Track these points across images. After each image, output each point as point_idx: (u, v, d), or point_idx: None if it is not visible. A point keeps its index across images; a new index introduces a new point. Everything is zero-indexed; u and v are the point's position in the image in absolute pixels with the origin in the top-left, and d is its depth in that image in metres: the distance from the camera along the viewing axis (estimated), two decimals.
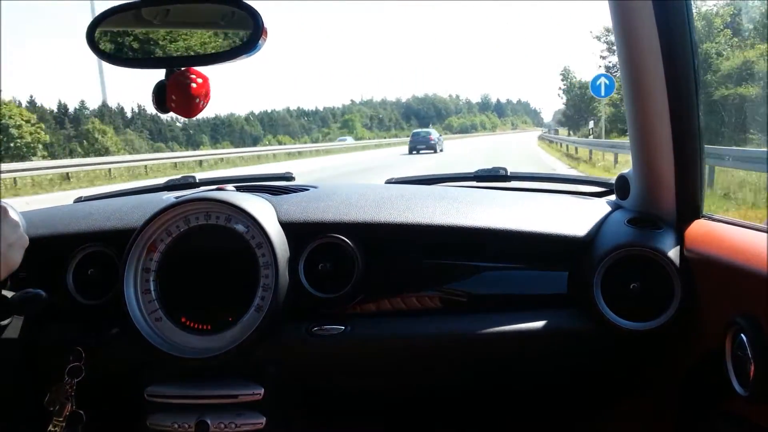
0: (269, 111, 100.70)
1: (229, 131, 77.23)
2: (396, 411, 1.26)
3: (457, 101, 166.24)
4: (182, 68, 0.94)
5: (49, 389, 1.09)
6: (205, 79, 0.95)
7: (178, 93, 0.93)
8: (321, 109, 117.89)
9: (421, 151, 28.58)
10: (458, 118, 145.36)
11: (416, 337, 1.09)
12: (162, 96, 0.94)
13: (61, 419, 1.07)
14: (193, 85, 0.94)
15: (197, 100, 0.94)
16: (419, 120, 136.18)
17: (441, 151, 28.88)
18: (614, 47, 1.08)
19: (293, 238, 1.09)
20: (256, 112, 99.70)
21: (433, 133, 32.16)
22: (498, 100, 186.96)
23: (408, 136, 36.30)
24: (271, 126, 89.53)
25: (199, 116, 1.17)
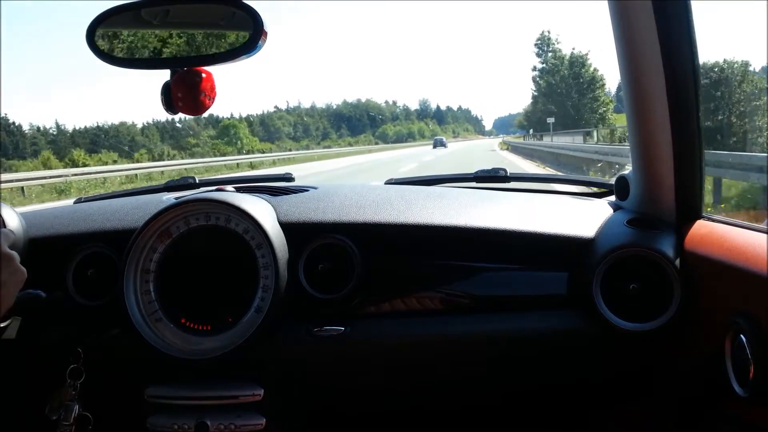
0: (173, 119, 78.79)
1: (115, 142, 61.56)
2: (396, 412, 1.26)
3: (394, 107, 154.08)
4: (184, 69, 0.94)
5: (48, 391, 1.09)
6: (208, 74, 0.95)
7: (183, 91, 0.93)
8: (237, 116, 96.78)
9: (437, 147, 56.65)
10: (394, 125, 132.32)
11: (416, 337, 1.09)
12: (169, 97, 0.94)
13: (69, 423, 1.07)
14: (197, 79, 0.94)
15: (203, 95, 0.94)
16: (350, 127, 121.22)
17: (446, 147, 57.17)
18: None
19: (293, 239, 1.09)
20: (160, 120, 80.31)
21: (444, 139, 68.67)
22: (438, 107, 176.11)
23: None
24: (173, 137, 71.43)
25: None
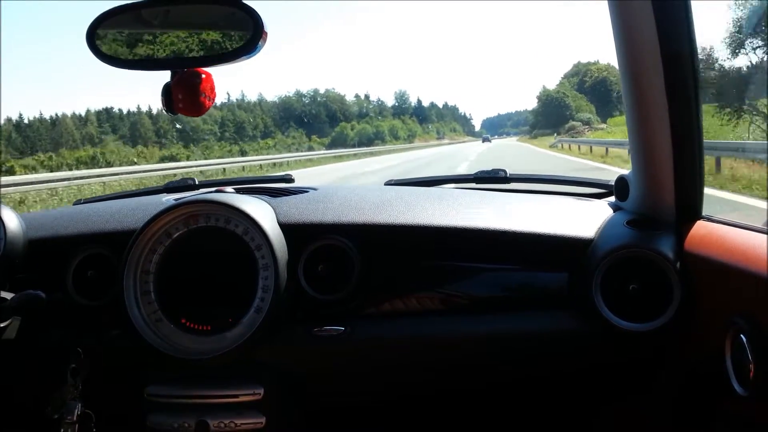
0: (55, 115, 65.85)
1: None
2: (396, 411, 1.26)
3: (366, 102, 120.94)
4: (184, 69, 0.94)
5: (49, 392, 1.09)
6: (208, 75, 0.95)
7: (183, 92, 0.94)
8: (135, 111, 74.55)
9: (485, 142, 69.18)
10: (358, 123, 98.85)
11: (416, 338, 1.09)
12: (169, 98, 0.94)
13: (72, 421, 1.07)
14: (197, 81, 0.94)
15: (203, 96, 0.95)
16: (304, 125, 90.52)
17: (491, 142, 72.27)
18: None
19: (293, 240, 1.09)
20: (27, 118, 65.41)
21: (489, 137, 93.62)
22: (419, 101, 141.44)
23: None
24: (43, 139, 59.35)
25: None
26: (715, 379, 0.87)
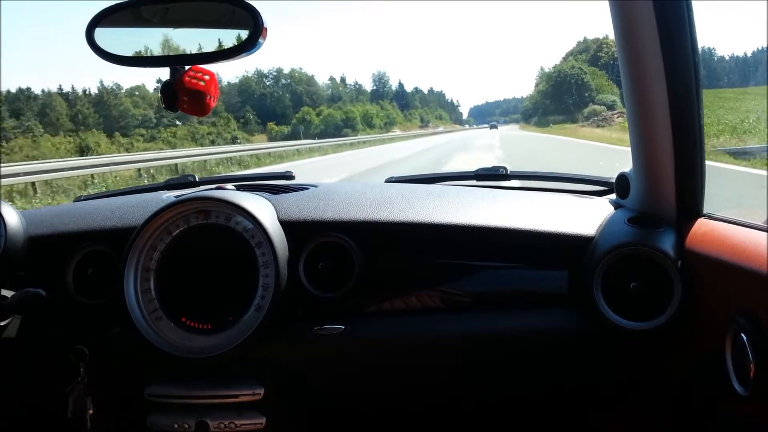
0: None
1: None
2: (396, 410, 1.26)
3: (341, 86, 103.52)
4: (186, 68, 0.94)
5: (48, 391, 1.09)
6: (212, 75, 0.95)
7: (189, 93, 0.94)
8: (65, 90, 57.35)
9: (492, 128, 73.42)
10: (326, 108, 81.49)
11: (416, 336, 1.09)
12: (170, 95, 0.94)
13: (84, 420, 1.07)
14: (202, 83, 0.94)
15: (209, 98, 0.95)
16: (262, 111, 72.33)
17: (497, 129, 73.13)
18: None
19: (293, 237, 1.09)
20: None
21: (497, 124, 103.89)
22: (401, 84, 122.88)
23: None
24: None
25: None
26: (715, 378, 0.87)
